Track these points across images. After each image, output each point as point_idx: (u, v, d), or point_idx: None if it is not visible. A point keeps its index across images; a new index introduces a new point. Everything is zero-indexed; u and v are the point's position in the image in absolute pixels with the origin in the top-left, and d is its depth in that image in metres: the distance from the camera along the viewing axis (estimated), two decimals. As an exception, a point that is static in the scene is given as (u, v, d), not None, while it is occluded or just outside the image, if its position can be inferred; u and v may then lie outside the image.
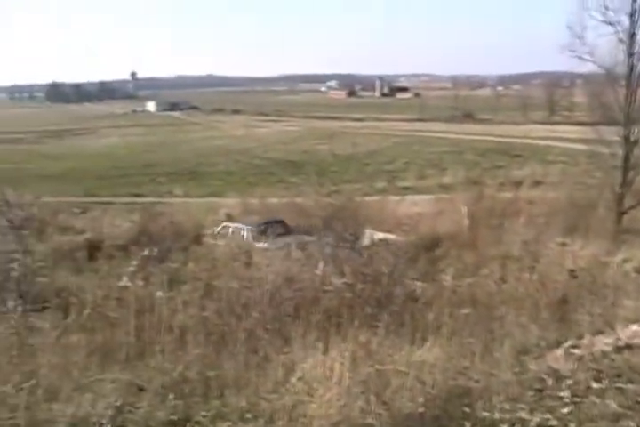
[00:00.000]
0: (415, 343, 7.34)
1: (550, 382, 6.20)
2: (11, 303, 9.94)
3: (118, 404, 5.84)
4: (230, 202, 31.47)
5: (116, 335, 8.15)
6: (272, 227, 22.38)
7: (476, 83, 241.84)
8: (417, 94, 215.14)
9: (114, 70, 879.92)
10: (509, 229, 19.51)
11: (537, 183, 37.75)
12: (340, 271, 10.44)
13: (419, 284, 11.48)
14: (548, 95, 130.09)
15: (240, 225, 22.61)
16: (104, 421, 5.52)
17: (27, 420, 5.54)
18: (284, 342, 7.72)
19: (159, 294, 9.14)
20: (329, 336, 7.55)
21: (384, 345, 7.09)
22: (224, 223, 23.32)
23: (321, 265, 10.70)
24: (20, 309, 9.67)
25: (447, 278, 11.20)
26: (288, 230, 21.96)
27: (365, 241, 16.47)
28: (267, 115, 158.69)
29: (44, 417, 5.72)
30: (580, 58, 24.12)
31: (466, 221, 21.30)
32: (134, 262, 10.60)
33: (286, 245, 16.62)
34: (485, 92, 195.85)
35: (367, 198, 27.22)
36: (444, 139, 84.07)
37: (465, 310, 8.74)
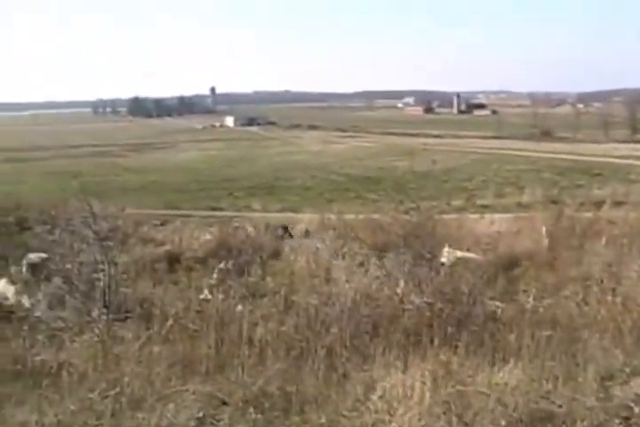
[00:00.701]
0: (496, 364, 7.24)
1: (637, 410, 6.03)
2: (95, 312, 10.17)
3: (200, 416, 5.92)
4: (307, 217, 31.57)
5: (197, 348, 8.22)
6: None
7: (555, 100, 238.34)
8: (494, 111, 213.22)
9: (193, 85, 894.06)
10: (590, 249, 19.06)
11: (618, 203, 36.86)
12: (419, 289, 10.37)
13: (497, 303, 11.32)
14: (630, 113, 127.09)
15: None
16: (187, 432, 5.61)
17: (112, 427, 5.68)
18: (363, 359, 7.70)
19: (239, 307, 9.22)
20: (408, 355, 7.52)
21: (464, 365, 7.02)
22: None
23: (401, 283, 10.65)
24: (104, 318, 9.90)
25: (528, 299, 11.01)
26: (289, 235, 23.68)
27: (443, 259, 16.32)
28: (344, 131, 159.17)
29: (128, 425, 5.85)
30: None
31: (545, 241, 20.92)
32: (214, 275, 10.73)
33: None
34: (565, 109, 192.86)
35: (445, 216, 27.03)
36: (522, 157, 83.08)
37: (546, 332, 8.57)
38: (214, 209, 45.28)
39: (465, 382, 6.30)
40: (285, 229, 24.92)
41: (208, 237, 22.98)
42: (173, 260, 19.75)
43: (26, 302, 12.96)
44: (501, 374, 6.69)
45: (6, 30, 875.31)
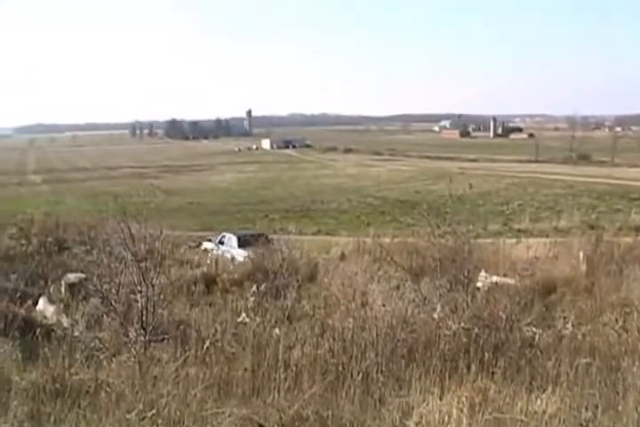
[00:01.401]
0: (533, 392, 7.17)
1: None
2: (133, 333, 10.25)
3: (236, 439, 5.93)
4: (343, 240, 31.64)
5: (233, 370, 8.24)
6: (253, 237, 29.03)
7: (593, 123, 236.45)
8: (531, 135, 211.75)
9: (230, 108, 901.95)
10: (629, 275, 18.84)
11: (658, 228, 36.42)
12: (456, 314, 10.32)
13: (534, 330, 11.21)
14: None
15: (232, 235, 30.41)
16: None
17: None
18: (400, 384, 7.67)
19: (276, 331, 9.25)
20: (445, 380, 7.48)
21: (502, 392, 6.96)
22: (224, 233, 31.29)
23: (438, 308, 10.62)
24: (141, 339, 9.98)
25: (566, 326, 10.91)
26: (268, 241, 26.64)
27: (479, 284, 16.23)
28: (380, 154, 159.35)
29: (166, 447, 5.87)
30: None
31: (583, 267, 20.72)
32: (251, 298, 10.78)
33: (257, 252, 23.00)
34: (602, 133, 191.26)
35: (481, 240, 26.85)
36: (559, 181, 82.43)
37: (585, 360, 8.46)
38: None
39: (502, 409, 6.25)
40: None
41: (242, 259, 23.14)
42: (209, 281, 19.89)
43: (64, 321, 13.10)
44: (539, 402, 6.62)
45: (47, 54, 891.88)
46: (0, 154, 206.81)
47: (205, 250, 29.82)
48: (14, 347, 9.11)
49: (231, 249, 29.31)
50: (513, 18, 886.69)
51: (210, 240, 31.52)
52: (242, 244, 29.03)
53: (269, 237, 29.61)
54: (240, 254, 27.19)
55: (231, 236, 30.73)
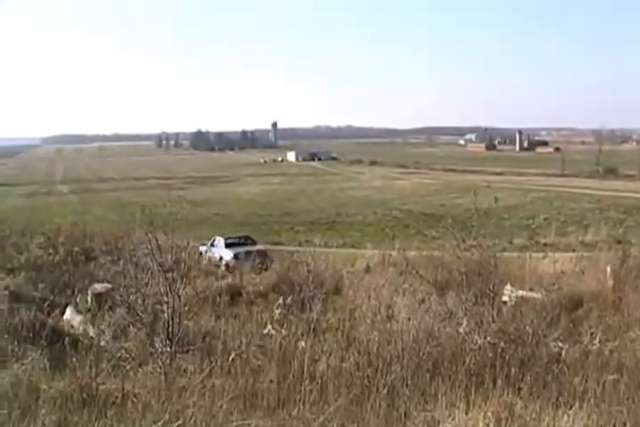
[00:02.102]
0: (560, 408, 7.12)
1: None
2: (158, 344, 10.30)
3: (263, 451, 5.94)
4: (368, 253, 31.61)
5: (259, 382, 8.24)
6: (239, 239, 35.44)
7: (620, 137, 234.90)
8: (557, 148, 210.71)
9: (255, 120, 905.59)
10: (657, 291, 18.68)
11: (687, 243, 35.99)
12: (482, 329, 10.27)
13: (561, 345, 11.12)
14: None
15: (221, 238, 34.42)
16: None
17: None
18: (425, 398, 7.64)
19: (302, 344, 9.25)
20: (470, 395, 7.44)
21: (528, 408, 6.92)
22: (215, 236, 35.14)
23: (464, 322, 10.57)
24: (167, 350, 10.02)
25: (593, 341, 10.81)
26: (253, 243, 34.50)
27: (505, 298, 16.13)
28: (405, 167, 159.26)
29: (192, 458, 5.89)
30: None
31: (610, 282, 20.54)
32: (277, 311, 10.80)
33: (244, 252, 30.18)
34: (629, 146, 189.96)
35: (506, 254, 26.74)
36: (585, 195, 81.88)
37: (612, 376, 8.39)
38: (275, 243, 45.51)
39: (529, 424, 6.22)
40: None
41: (269, 271, 23.23)
42: (235, 293, 19.96)
43: (91, 331, 13.20)
44: (566, 418, 6.57)
45: (76, 66, 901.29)
46: (29, 164, 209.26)
47: (201, 253, 32.13)
48: (42, 356, 9.18)
49: (220, 250, 32.99)
50: (541, 32, 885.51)
51: (204, 244, 34.07)
52: (228, 245, 33.38)
53: (254, 239, 36.17)
54: (227, 253, 31.86)
55: (220, 238, 34.44)
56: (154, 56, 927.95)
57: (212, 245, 34.22)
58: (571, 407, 7.06)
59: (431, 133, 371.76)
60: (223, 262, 29.97)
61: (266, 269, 24.83)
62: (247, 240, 35.38)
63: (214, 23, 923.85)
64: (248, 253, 30.02)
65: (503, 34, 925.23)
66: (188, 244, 12.95)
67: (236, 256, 30.49)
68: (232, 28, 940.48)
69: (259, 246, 33.74)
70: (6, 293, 16.96)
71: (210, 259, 31.57)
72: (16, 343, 9.92)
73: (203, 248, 33.25)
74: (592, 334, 12.06)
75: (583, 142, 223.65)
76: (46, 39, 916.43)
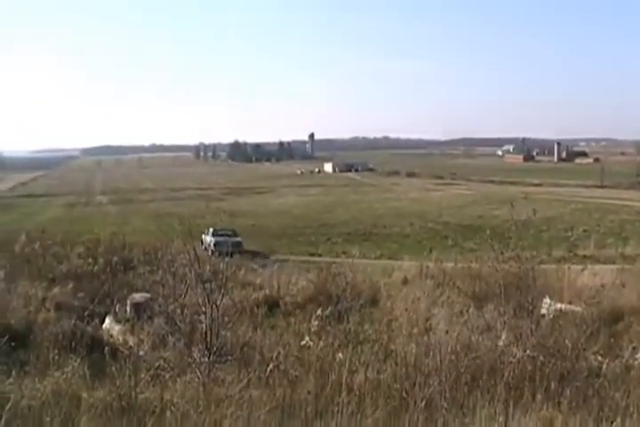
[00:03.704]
0: (601, 423, 7.03)
1: None
2: (197, 354, 10.34)
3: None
4: (406, 264, 31.48)
5: (296, 393, 8.24)
6: (223, 230, 46.85)
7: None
8: (597, 159, 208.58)
9: (292, 131, 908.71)
10: (700, 305, 18.40)
11: None
12: (520, 342, 10.18)
13: (601, 359, 10.99)
14: None
15: (211, 229, 46.50)
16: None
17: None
18: (463, 412, 7.58)
19: (340, 355, 9.23)
20: (509, 408, 7.38)
21: (568, 423, 6.84)
22: (209, 228, 46.56)
23: (503, 335, 10.50)
24: (205, 360, 10.07)
25: (635, 355, 10.67)
26: (235, 235, 46.38)
27: (544, 311, 15.98)
28: (442, 178, 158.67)
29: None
30: None
31: (651, 295, 20.30)
32: (315, 322, 10.79)
33: (222, 240, 39.25)
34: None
35: (544, 266, 26.47)
36: (625, 206, 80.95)
37: (655, 391, 8.27)
38: (312, 254, 45.65)
39: (569, 440, 6.14)
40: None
41: (306, 282, 23.24)
42: (272, 304, 20.00)
43: (130, 340, 13.31)
44: (608, 434, 6.49)
45: (115, 78, 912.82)
46: (68, 175, 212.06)
47: (202, 242, 42.80)
48: (82, 364, 9.29)
49: (209, 237, 45.24)
50: (584, 44, 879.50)
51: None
52: (213, 234, 45.68)
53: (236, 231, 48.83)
54: (211, 240, 43.85)
55: (210, 229, 46.54)
56: (192, 69, 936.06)
57: (206, 234, 46.20)
58: (612, 422, 6.98)
59: (468, 145, 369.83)
60: (210, 246, 40.37)
61: (240, 253, 33.56)
62: (230, 233, 46.77)
63: (254, 38, 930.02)
64: (225, 241, 36.95)
65: (544, 45, 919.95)
66: (227, 254, 12.96)
67: (216, 242, 40.72)
68: (277, 36, 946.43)
69: (236, 239, 44.67)
70: (47, 302, 17.18)
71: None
72: (57, 352, 10.05)
73: (204, 236, 45.50)
74: (634, 348, 11.91)
75: (623, 153, 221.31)
76: (87, 57, 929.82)
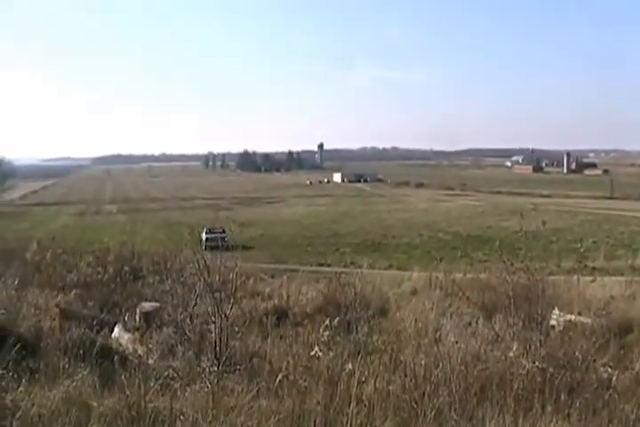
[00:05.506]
0: (612, 436, 7.01)
1: None
2: (206, 363, 10.35)
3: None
4: (415, 275, 31.47)
5: (305, 404, 8.23)
6: (215, 228, 54.64)
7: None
8: (606, 171, 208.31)
9: (301, 141, 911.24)
10: None
11: None
12: (530, 353, 10.15)
13: (610, 371, 10.94)
14: None
15: (206, 227, 54.96)
16: None
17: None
18: (472, 423, 7.57)
19: (349, 366, 9.22)
20: (519, 420, 7.36)
21: (579, 435, 6.82)
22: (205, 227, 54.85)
23: (513, 346, 10.47)
24: (214, 369, 10.07)
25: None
26: (224, 233, 47.95)
27: (553, 322, 15.93)
28: (451, 189, 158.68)
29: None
30: None
31: (661, 307, 20.23)
32: (324, 332, 10.78)
33: (212, 237, 39.21)
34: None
35: (553, 277, 26.41)
36: (635, 218, 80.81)
37: (666, 404, 8.22)
38: (321, 265, 45.75)
39: (579, 452, 6.12)
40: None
41: (315, 292, 23.23)
42: (281, 314, 19.97)
43: (139, 349, 13.31)
44: (618, 447, 6.47)
45: (126, 88, 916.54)
46: (78, 183, 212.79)
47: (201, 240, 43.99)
48: (91, 373, 9.31)
49: (203, 234, 50.08)
50: (590, 52, 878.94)
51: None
52: (207, 232, 52.97)
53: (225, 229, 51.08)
54: (205, 235, 48.09)
55: (206, 228, 54.86)
56: (203, 79, 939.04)
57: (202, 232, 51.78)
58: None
59: (477, 155, 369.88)
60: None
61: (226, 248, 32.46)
62: (220, 231, 51.91)
63: (266, 46, 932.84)
64: (215, 237, 36.78)
65: (555, 57, 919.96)
66: (236, 264, 12.96)
67: (207, 238, 42.99)
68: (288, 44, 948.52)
69: (223, 235, 45.30)
70: (57, 310, 17.20)
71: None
72: (67, 360, 10.08)
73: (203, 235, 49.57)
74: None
75: (633, 164, 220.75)
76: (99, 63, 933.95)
